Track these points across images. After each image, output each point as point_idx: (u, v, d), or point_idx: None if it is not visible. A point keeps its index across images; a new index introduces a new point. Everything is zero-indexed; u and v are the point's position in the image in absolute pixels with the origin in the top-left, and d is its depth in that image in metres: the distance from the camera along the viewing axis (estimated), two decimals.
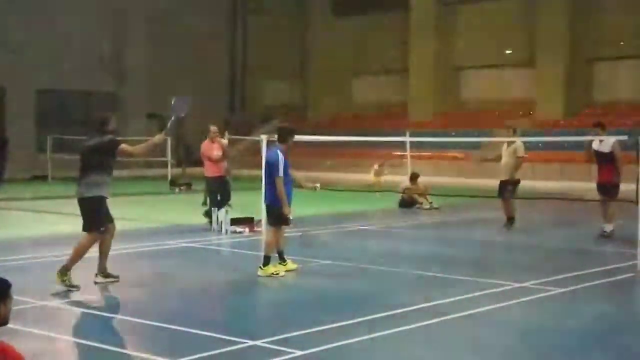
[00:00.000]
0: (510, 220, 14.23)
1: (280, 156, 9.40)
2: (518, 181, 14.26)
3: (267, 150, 10.34)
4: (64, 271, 8.47)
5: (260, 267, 9.37)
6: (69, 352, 6.41)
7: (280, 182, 9.29)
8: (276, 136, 9.78)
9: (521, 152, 14.02)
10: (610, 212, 12.68)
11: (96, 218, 8.58)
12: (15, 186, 24.10)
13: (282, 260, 9.67)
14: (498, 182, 14.35)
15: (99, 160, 8.56)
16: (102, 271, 8.85)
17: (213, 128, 14.03)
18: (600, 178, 12.74)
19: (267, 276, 9.23)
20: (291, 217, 9.53)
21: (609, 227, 12.65)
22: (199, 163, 14.95)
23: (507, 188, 14.10)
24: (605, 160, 12.53)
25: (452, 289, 8.69)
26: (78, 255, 8.60)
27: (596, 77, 32.58)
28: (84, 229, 8.62)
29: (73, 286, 8.39)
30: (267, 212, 9.76)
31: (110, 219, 8.84)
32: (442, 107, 35.33)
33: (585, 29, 31.64)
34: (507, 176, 14.07)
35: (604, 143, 12.50)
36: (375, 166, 23.98)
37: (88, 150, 8.65)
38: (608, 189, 12.59)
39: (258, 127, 33.82)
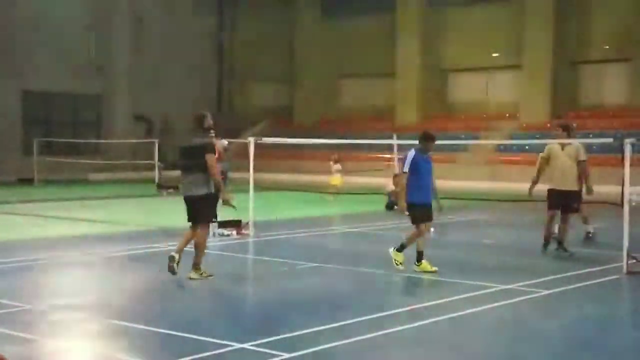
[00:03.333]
0: (548, 243, 11.64)
1: (410, 154, 9.76)
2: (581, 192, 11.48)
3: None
4: (197, 267, 9.22)
5: (415, 263, 9.79)
6: (55, 356, 6.39)
7: (402, 177, 9.78)
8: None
9: (584, 155, 11.40)
10: (585, 214, 12.61)
11: (210, 212, 9.38)
12: (0, 190, 23.95)
13: (418, 260, 9.85)
14: (551, 192, 11.47)
15: (201, 159, 8.99)
16: (195, 267, 9.31)
17: None
18: None
19: (422, 271, 9.68)
20: (406, 213, 9.89)
21: (591, 227, 12.73)
22: None
23: (575, 200, 11.33)
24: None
25: (438, 291, 8.72)
26: (202, 248, 9.32)
27: (581, 80, 32.81)
28: (197, 222, 9.21)
29: (210, 275, 9.23)
30: (407, 210, 9.91)
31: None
32: (429, 109, 35.46)
33: (570, 33, 31.86)
34: (573, 186, 11.29)
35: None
36: (338, 166, 22.86)
37: (192, 149, 9.11)
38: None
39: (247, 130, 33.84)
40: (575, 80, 32.80)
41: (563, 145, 11.35)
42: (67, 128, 34.45)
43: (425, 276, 9.63)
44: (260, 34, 39.19)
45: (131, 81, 35.75)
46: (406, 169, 9.73)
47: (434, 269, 9.76)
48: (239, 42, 40.95)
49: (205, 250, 9.48)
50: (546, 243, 11.50)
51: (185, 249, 9.38)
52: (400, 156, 14.75)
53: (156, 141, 27.26)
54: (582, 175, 11.25)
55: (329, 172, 22.46)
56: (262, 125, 37.80)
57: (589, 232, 12.82)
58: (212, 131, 9.42)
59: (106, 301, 8.30)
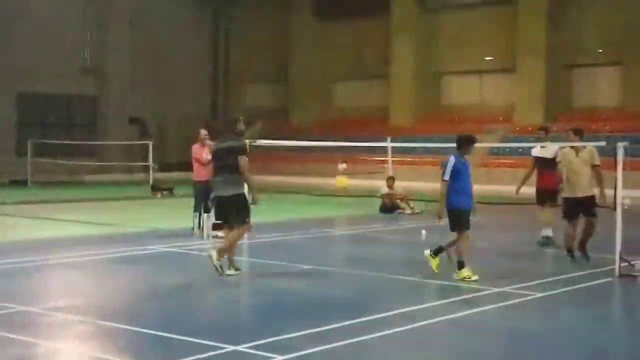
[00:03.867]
0: (572, 251, 11.06)
1: (450, 161, 9.59)
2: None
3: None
4: (221, 253, 9.46)
5: (456, 271, 9.50)
6: (49, 358, 6.39)
7: (444, 185, 9.58)
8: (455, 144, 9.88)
9: (598, 159, 10.91)
10: (547, 217, 12.39)
11: (246, 212, 9.54)
12: None
13: (460, 267, 9.50)
14: (568, 201, 10.91)
15: (234, 160, 9.37)
16: (231, 263, 9.63)
17: (203, 132, 13.92)
18: (543, 183, 12.43)
19: (460, 279, 9.35)
20: (440, 222, 9.69)
21: (548, 231, 12.44)
22: (189, 167, 14.86)
23: (593, 205, 10.77)
24: (548, 167, 12.13)
25: (432, 293, 8.76)
26: (233, 244, 9.65)
27: (575, 83, 32.92)
28: (228, 221, 9.59)
29: (221, 269, 9.38)
30: (448, 217, 9.69)
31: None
32: (423, 112, 35.54)
33: (563, 36, 31.96)
34: (590, 191, 10.82)
35: (547, 149, 12.32)
36: (344, 165, 22.89)
37: (225, 151, 9.46)
38: (550, 195, 12.14)
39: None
40: (568, 83, 32.91)
41: (577, 151, 10.93)
42: (61, 129, 34.40)
43: (420, 279, 9.65)
44: (255, 35, 39.22)
45: (126, 83, 35.73)
46: (447, 177, 9.53)
47: (475, 277, 9.41)
48: (234, 43, 40.97)
49: (232, 248, 9.72)
50: (570, 251, 10.93)
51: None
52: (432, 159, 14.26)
53: (150, 143, 27.25)
54: (597, 180, 10.77)
55: (334, 173, 22.40)
56: (257, 128, 37.82)
57: (545, 236, 12.52)
58: (241, 135, 9.72)
59: (100, 303, 8.30)
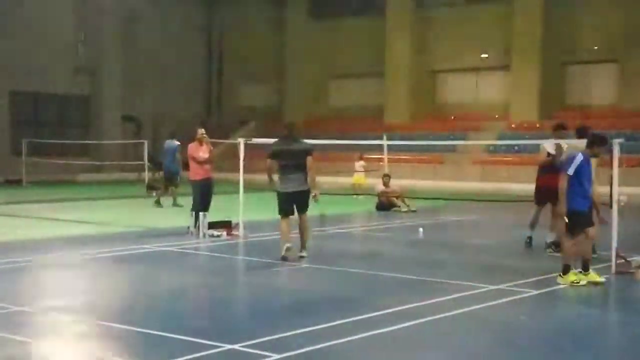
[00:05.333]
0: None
1: (578, 157, 9.12)
2: None
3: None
4: (305, 246, 10.87)
5: (559, 274, 9.18)
6: (45, 358, 6.36)
7: (564, 178, 9.09)
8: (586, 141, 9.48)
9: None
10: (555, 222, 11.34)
11: (308, 203, 10.94)
12: None
13: (585, 270, 9.20)
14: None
15: (303, 160, 10.75)
16: (304, 247, 10.93)
17: (200, 130, 13.88)
18: (547, 182, 11.31)
19: (566, 285, 9.01)
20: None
21: (552, 237, 11.61)
22: (185, 166, 14.83)
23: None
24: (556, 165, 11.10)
25: (428, 291, 8.74)
26: (310, 231, 11.41)
27: (570, 81, 32.98)
28: (300, 212, 10.92)
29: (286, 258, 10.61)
30: (567, 218, 9.24)
31: None
32: (418, 110, 35.56)
33: (558, 34, 32.01)
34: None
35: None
36: (362, 162, 23.11)
37: (299, 152, 10.83)
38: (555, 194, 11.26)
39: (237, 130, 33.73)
40: (563, 81, 32.97)
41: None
42: (55, 129, 34.32)
43: (416, 277, 9.63)
44: (249, 34, 39.19)
45: (120, 82, 35.66)
46: (571, 172, 9.08)
47: (602, 279, 9.16)
48: (228, 42, 40.92)
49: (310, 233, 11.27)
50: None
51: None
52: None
53: (145, 142, 27.19)
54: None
55: (330, 171, 22.42)
56: (251, 126, 37.82)
57: (546, 241, 11.81)
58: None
59: (95, 302, 8.27)
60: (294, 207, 10.89)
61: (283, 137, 11.08)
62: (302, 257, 10.76)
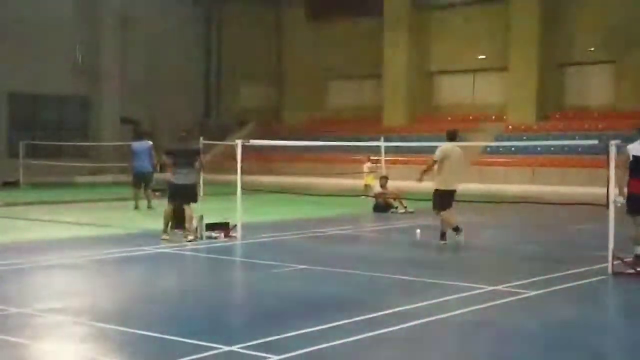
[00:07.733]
0: None
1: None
2: None
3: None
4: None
5: None
6: None
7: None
8: None
9: None
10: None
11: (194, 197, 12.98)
12: None
13: None
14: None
15: (193, 159, 12.73)
16: (189, 231, 12.56)
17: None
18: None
19: None
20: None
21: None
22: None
23: None
24: None
25: (426, 292, 8.76)
26: (192, 220, 12.74)
27: (567, 82, 33.03)
28: (188, 202, 12.74)
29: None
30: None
31: None
32: (415, 111, 35.59)
33: (556, 35, 32.07)
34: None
35: None
36: (369, 164, 23.10)
37: (191, 152, 12.78)
38: None
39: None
40: (561, 82, 33.02)
41: None
42: (53, 131, 34.28)
43: (415, 278, 9.65)
44: (248, 35, 39.20)
45: (118, 83, 35.62)
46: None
47: None
48: (226, 43, 40.94)
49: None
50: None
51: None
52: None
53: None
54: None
55: (328, 173, 22.36)
56: (249, 127, 37.83)
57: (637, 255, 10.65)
58: None
59: (93, 304, 8.27)
60: (182, 197, 12.61)
61: (181, 138, 13.36)
62: (190, 240, 12.43)
